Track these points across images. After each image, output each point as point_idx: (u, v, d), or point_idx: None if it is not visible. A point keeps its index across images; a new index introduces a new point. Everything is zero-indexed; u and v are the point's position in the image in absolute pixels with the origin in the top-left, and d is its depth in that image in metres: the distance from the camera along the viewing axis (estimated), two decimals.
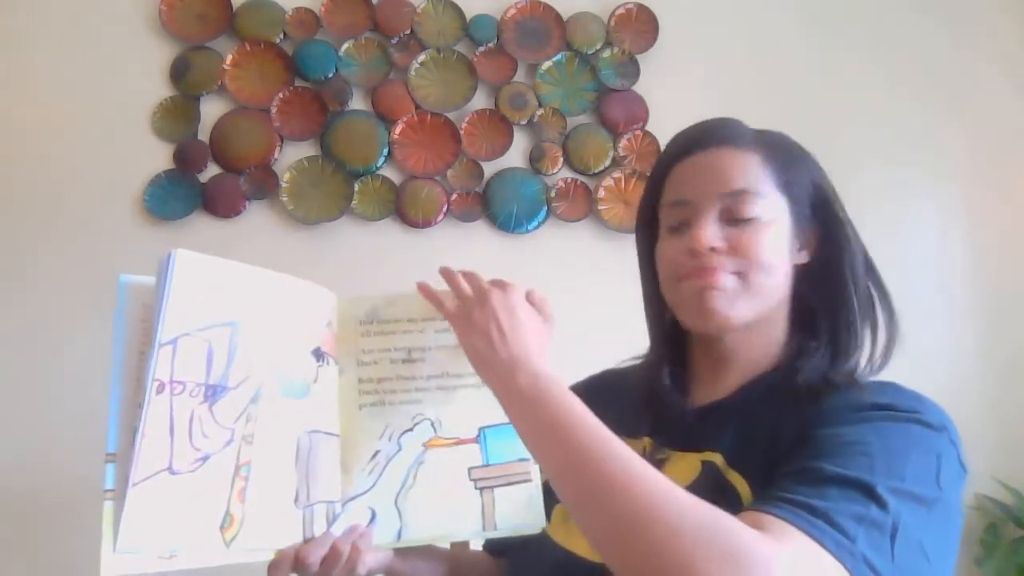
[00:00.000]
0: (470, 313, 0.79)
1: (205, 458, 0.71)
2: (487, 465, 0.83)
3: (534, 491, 0.84)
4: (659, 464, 0.81)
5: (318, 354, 0.84)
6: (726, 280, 0.80)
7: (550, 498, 0.81)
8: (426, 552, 0.93)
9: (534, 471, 0.84)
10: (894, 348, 0.82)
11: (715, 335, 0.84)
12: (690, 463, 0.80)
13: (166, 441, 0.69)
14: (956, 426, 0.73)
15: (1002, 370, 2.18)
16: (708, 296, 0.80)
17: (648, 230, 0.90)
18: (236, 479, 0.73)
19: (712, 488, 0.75)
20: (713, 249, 0.79)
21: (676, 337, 0.91)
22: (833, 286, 0.83)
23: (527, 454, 0.81)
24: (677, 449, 0.83)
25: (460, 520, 0.82)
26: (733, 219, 0.80)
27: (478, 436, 0.84)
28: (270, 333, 0.79)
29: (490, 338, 0.76)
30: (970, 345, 2.18)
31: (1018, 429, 2.16)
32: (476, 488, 0.83)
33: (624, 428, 0.87)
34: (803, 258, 0.84)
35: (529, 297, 0.83)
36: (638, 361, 0.96)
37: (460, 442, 0.84)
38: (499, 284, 0.82)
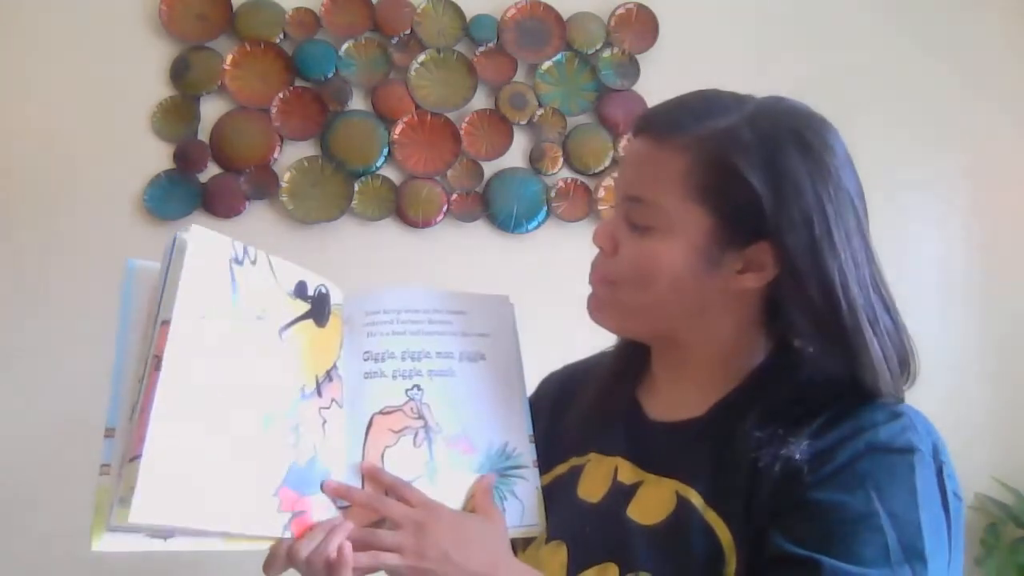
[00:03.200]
0: (415, 549, 0.72)
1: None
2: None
3: (527, 484, 0.83)
4: (632, 490, 0.78)
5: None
6: (599, 288, 0.80)
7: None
8: None
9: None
10: (904, 384, 0.73)
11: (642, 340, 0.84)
12: (664, 493, 0.75)
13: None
14: (939, 433, 0.71)
15: (1002, 369, 2.18)
16: (589, 299, 0.81)
17: None
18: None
19: (688, 528, 0.72)
20: (603, 249, 0.79)
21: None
22: (808, 313, 0.72)
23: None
24: (649, 471, 0.78)
25: None
26: (631, 223, 0.76)
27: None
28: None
29: (449, 563, 0.71)
30: (970, 344, 2.18)
31: (1017, 429, 2.16)
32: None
33: (596, 442, 0.84)
34: (752, 281, 0.73)
35: (468, 506, 0.79)
36: (606, 355, 0.92)
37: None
38: (428, 509, 0.76)
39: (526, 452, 0.85)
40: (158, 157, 1.89)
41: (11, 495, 1.77)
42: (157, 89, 1.91)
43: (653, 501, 0.75)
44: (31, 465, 1.77)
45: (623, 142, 2.05)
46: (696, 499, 0.73)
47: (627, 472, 0.80)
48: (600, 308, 0.80)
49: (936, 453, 0.69)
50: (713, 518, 0.71)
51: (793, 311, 0.72)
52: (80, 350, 1.74)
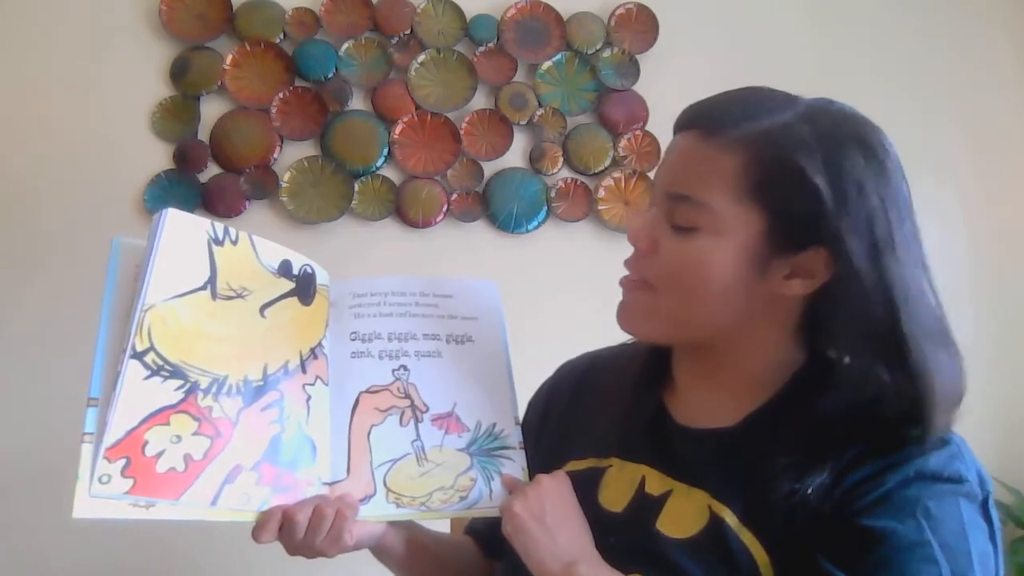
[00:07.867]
0: (523, 502, 0.76)
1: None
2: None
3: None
4: (662, 500, 0.75)
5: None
6: (634, 295, 0.75)
7: None
8: (418, 530, 0.90)
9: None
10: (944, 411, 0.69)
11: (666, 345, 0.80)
12: (697, 505, 0.73)
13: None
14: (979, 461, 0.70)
15: (1002, 370, 2.18)
16: (621, 306, 0.76)
17: None
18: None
19: (722, 547, 0.70)
20: (640, 249, 0.74)
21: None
22: (861, 325, 0.69)
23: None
24: (678, 479, 0.76)
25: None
26: (674, 223, 0.71)
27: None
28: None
29: (543, 524, 0.74)
30: (969, 345, 2.17)
31: (1018, 429, 2.16)
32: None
33: (618, 446, 0.82)
34: (799, 288, 0.70)
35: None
36: (628, 347, 0.89)
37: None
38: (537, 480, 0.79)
39: (513, 434, 0.86)
40: (158, 157, 1.89)
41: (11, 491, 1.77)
42: (157, 89, 1.91)
43: (684, 514, 0.73)
44: (25, 466, 1.77)
45: (623, 142, 2.05)
46: (730, 517, 0.71)
47: (655, 482, 0.77)
48: (633, 317, 0.76)
49: (982, 483, 0.68)
50: (749, 538, 0.69)
51: (840, 322, 0.69)
52: (78, 350, 1.74)
